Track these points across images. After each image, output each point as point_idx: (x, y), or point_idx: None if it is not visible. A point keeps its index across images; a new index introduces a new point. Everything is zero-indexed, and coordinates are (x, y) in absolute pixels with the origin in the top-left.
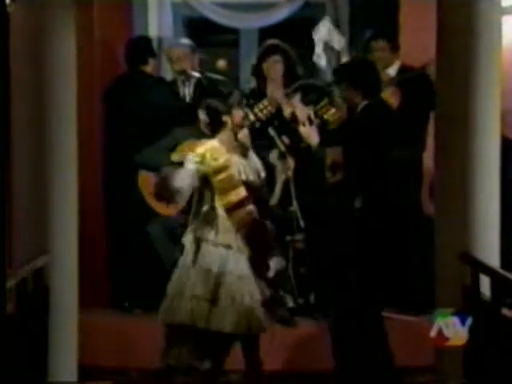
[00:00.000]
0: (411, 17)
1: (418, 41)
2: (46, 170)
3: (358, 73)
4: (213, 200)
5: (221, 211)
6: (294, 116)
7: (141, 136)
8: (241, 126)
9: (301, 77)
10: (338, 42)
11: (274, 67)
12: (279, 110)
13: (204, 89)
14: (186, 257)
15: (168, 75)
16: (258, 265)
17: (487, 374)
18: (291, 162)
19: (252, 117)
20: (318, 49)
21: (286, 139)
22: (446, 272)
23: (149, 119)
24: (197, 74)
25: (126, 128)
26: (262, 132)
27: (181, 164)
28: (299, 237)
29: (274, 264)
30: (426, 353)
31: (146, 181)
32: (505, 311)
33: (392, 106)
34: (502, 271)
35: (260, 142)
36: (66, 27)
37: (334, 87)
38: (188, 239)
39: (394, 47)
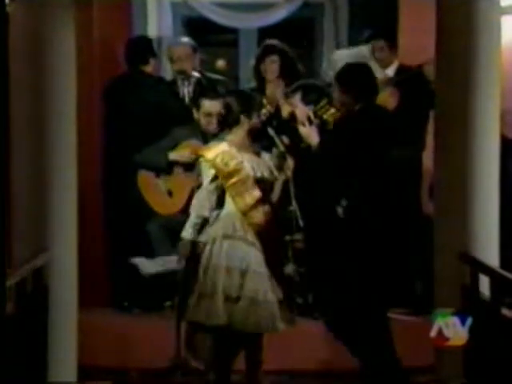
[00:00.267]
0: (410, 17)
1: (417, 41)
2: (46, 169)
3: (349, 78)
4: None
5: (239, 213)
6: (293, 116)
7: (141, 136)
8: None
9: (301, 76)
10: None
11: (271, 67)
12: (278, 109)
13: (204, 89)
14: (210, 255)
15: (168, 75)
16: (273, 264)
17: (487, 373)
18: (291, 162)
19: None
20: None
21: (285, 139)
22: (446, 272)
23: (149, 119)
24: (196, 74)
25: (125, 128)
26: (262, 132)
27: (178, 163)
28: (298, 236)
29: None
30: (426, 353)
31: (146, 180)
32: (504, 311)
33: (390, 106)
34: (501, 271)
35: (259, 142)
36: (66, 27)
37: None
38: (210, 237)
39: (393, 47)
